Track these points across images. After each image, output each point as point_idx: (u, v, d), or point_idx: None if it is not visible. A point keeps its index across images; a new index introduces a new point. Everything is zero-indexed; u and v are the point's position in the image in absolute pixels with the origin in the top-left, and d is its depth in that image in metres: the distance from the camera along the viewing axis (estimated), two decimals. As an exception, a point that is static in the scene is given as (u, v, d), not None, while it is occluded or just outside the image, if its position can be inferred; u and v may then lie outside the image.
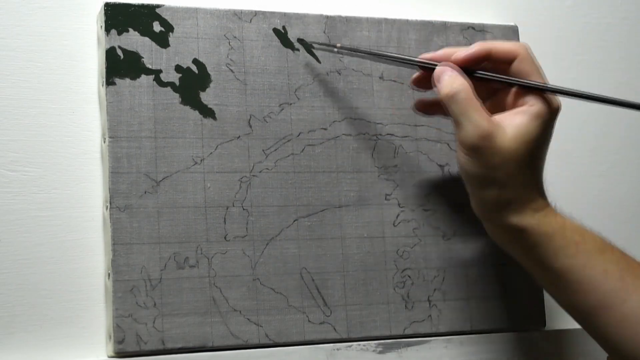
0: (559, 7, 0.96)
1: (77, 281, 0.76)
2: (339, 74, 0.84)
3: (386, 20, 0.86)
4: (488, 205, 0.75)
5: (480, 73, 0.76)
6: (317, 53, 0.83)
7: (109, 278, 0.75)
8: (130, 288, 0.75)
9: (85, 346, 0.75)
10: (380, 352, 0.80)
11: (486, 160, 0.73)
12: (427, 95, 0.82)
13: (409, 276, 0.83)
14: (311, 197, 0.81)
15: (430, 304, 0.83)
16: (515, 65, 0.76)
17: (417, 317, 0.83)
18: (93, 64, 0.79)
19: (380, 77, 0.85)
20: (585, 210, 0.94)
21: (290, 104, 0.82)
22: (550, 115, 0.75)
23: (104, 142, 0.77)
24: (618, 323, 0.72)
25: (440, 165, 0.86)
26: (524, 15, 0.94)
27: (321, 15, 0.84)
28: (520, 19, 0.93)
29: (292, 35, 0.83)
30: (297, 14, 0.84)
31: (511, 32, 0.90)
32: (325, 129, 0.83)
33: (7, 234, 0.75)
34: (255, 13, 0.82)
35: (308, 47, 0.83)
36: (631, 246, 0.95)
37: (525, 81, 0.75)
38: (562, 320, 0.89)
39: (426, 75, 0.78)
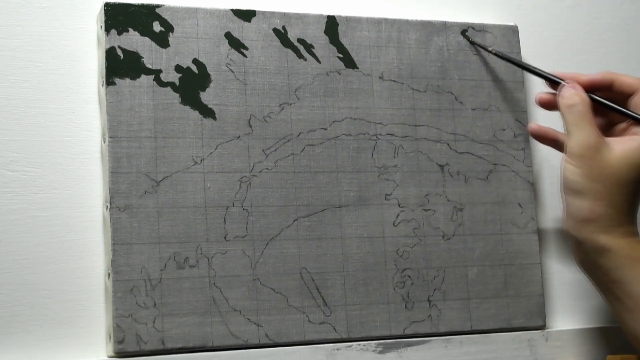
0: (559, 7, 0.96)
1: (77, 281, 0.76)
2: (339, 74, 0.84)
3: (386, 20, 0.86)
4: (578, 218, 0.76)
5: (602, 100, 0.80)
6: (317, 53, 0.83)
7: (109, 278, 0.75)
8: (130, 288, 0.75)
9: (85, 346, 0.75)
10: (380, 352, 0.80)
11: (588, 170, 0.75)
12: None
13: (409, 276, 0.83)
14: (311, 197, 0.81)
15: (430, 304, 0.83)
16: (636, 99, 0.79)
17: (417, 317, 0.83)
18: (93, 64, 0.79)
19: (380, 77, 0.85)
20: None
21: (290, 104, 0.82)
22: None
23: (104, 142, 0.77)
24: None
25: (440, 165, 0.86)
26: (524, 15, 0.94)
27: (321, 15, 0.84)
28: (520, 19, 0.93)
29: (292, 35, 0.83)
30: (297, 14, 0.84)
31: (511, 32, 0.90)
32: (325, 129, 0.83)
33: (7, 234, 0.75)
34: (255, 13, 0.82)
35: (308, 47, 0.83)
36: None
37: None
38: (562, 320, 0.89)
39: (551, 98, 0.82)
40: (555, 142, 0.83)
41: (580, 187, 0.76)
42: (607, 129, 0.81)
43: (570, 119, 0.78)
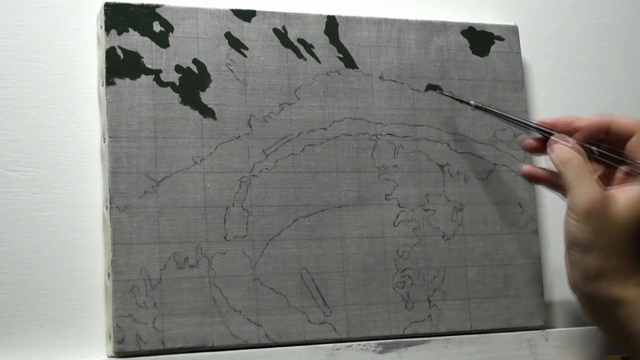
0: (559, 7, 0.96)
1: (77, 281, 0.76)
2: (339, 74, 0.84)
3: (386, 20, 0.86)
4: (589, 274, 0.73)
5: (597, 150, 0.77)
6: (317, 53, 0.83)
7: (109, 278, 0.75)
8: (130, 288, 0.75)
9: (85, 346, 0.75)
10: (380, 352, 0.80)
11: (596, 226, 0.72)
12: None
13: (409, 276, 0.83)
14: (311, 197, 0.81)
15: (430, 304, 0.83)
16: (633, 142, 0.75)
17: (417, 317, 0.83)
18: (93, 64, 0.79)
19: (380, 77, 0.85)
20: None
21: (290, 104, 0.82)
22: None
23: (104, 142, 0.77)
24: None
25: (440, 165, 0.86)
26: (524, 15, 0.94)
27: (321, 15, 0.84)
28: (520, 19, 0.93)
29: (292, 35, 0.83)
30: (297, 14, 0.84)
31: (511, 32, 0.90)
32: (325, 129, 0.83)
33: (7, 234, 0.75)
34: (255, 13, 0.82)
35: (308, 47, 0.83)
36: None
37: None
38: (562, 320, 0.89)
39: (541, 142, 0.79)
40: (550, 183, 0.79)
41: (590, 244, 0.73)
42: (607, 175, 0.78)
43: (568, 175, 0.74)
